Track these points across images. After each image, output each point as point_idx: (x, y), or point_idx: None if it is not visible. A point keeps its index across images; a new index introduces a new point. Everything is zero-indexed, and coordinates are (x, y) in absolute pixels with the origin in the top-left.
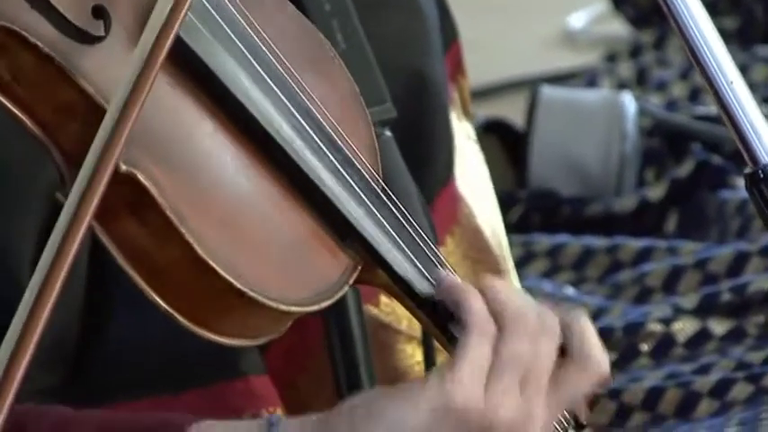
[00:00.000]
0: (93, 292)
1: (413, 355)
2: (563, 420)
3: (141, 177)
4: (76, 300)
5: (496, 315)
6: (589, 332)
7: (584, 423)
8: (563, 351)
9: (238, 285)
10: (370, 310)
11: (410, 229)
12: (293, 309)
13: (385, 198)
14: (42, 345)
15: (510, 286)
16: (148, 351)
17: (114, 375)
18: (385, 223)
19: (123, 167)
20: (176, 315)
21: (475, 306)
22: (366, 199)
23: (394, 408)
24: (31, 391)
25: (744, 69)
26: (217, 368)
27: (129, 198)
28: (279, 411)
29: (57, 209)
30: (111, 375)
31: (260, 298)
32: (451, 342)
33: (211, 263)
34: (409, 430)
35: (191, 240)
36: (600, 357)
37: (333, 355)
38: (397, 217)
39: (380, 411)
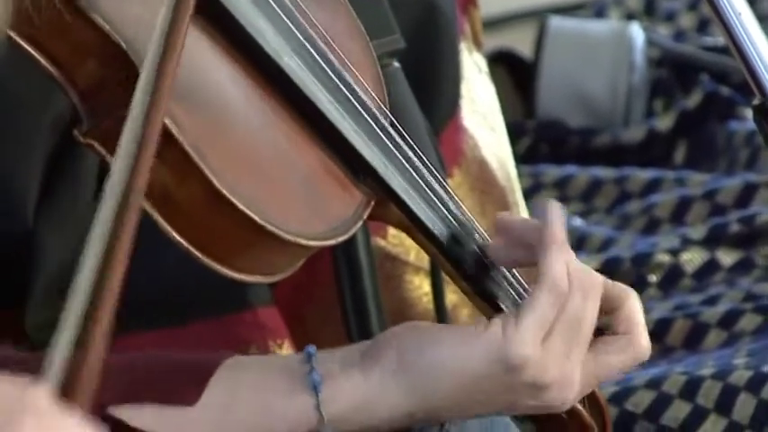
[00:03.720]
0: None
1: (420, 286)
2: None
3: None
4: (83, 235)
5: (568, 274)
6: (639, 315)
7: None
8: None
9: (258, 220)
10: (378, 241)
11: (419, 162)
12: (311, 243)
13: (393, 131)
14: (48, 280)
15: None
16: (156, 282)
17: (122, 306)
18: (396, 153)
19: None
20: (195, 252)
21: (559, 263)
22: (377, 130)
23: (450, 350)
24: (39, 326)
25: (752, 1)
26: (225, 300)
27: None
28: (286, 343)
29: (65, 146)
30: (118, 307)
31: (279, 232)
32: (459, 273)
33: (231, 198)
34: (460, 375)
35: (210, 176)
36: (644, 343)
37: (341, 286)
38: (407, 149)
39: (435, 351)
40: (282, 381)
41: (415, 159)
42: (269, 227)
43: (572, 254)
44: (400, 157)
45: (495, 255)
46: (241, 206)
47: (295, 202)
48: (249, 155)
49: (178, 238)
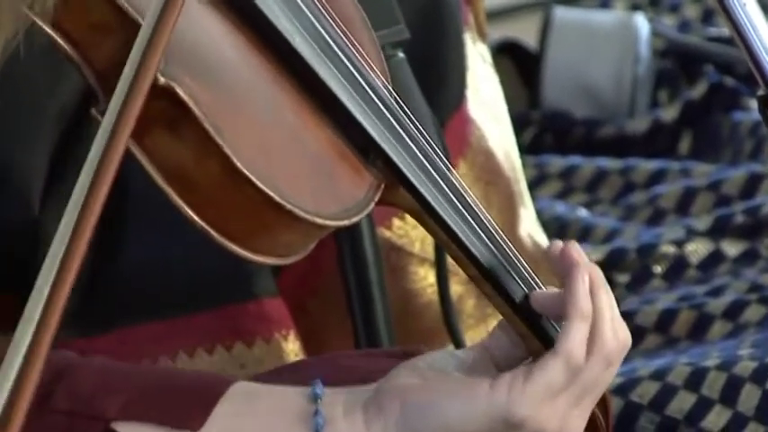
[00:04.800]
0: (105, 213)
1: (425, 277)
2: None
3: (179, 91)
4: None
5: (591, 342)
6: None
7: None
8: None
9: (276, 198)
10: (383, 232)
11: (427, 145)
12: (328, 222)
13: (401, 113)
14: None
15: (609, 296)
16: (161, 273)
17: (126, 298)
18: (404, 135)
19: (162, 80)
20: (211, 231)
21: (577, 337)
22: (384, 111)
23: (455, 408)
24: None
25: None
26: (230, 290)
27: (166, 113)
28: (291, 334)
29: (71, 133)
30: (123, 298)
31: (297, 211)
32: (468, 258)
33: (250, 175)
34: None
35: (229, 152)
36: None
37: (346, 277)
38: (414, 131)
39: (439, 411)
40: (286, 418)
41: (423, 142)
42: (287, 205)
43: (614, 307)
44: (407, 139)
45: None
46: (260, 184)
47: (309, 181)
48: (263, 134)
49: (195, 217)
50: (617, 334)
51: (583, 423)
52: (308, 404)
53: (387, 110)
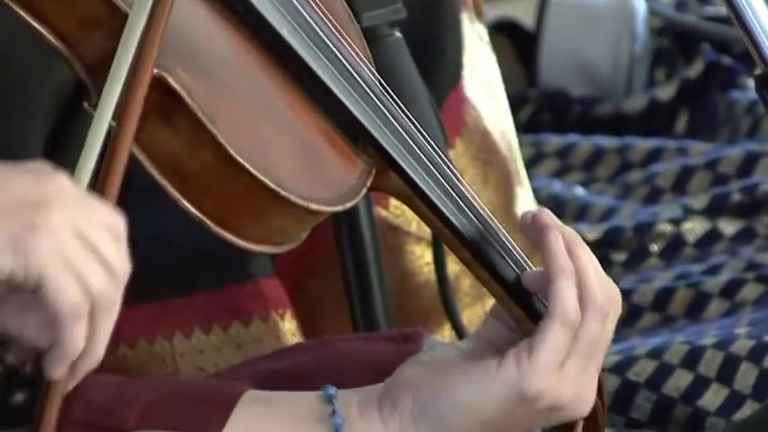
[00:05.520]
0: None
1: (422, 256)
2: None
3: (172, 81)
4: None
5: (582, 300)
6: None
7: None
8: None
9: (271, 185)
10: (380, 212)
11: (414, 129)
12: (322, 208)
13: (386, 97)
14: None
15: (588, 253)
16: (158, 255)
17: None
18: (391, 119)
19: (155, 71)
20: (207, 221)
21: (565, 294)
22: (372, 97)
23: (467, 395)
24: None
25: None
26: (227, 271)
27: (159, 104)
28: (288, 314)
29: (66, 116)
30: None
31: (291, 197)
32: (460, 242)
33: (244, 163)
34: (478, 413)
35: (223, 141)
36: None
37: (343, 257)
38: (401, 115)
39: (452, 394)
40: (306, 419)
41: (410, 125)
42: (282, 192)
43: (594, 261)
44: (396, 124)
45: None
46: (254, 171)
47: (301, 168)
48: (255, 122)
49: (191, 208)
50: (605, 286)
51: (593, 388)
52: (324, 405)
53: (374, 96)
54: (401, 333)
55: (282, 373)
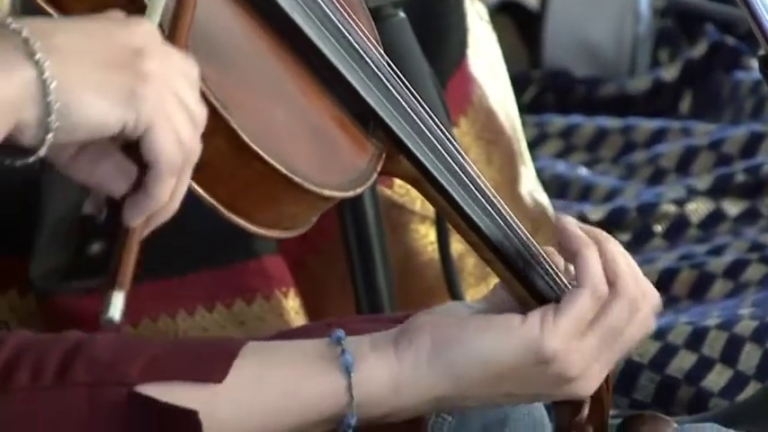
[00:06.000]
0: None
1: (426, 235)
2: None
3: None
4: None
5: (610, 277)
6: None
7: None
8: None
9: (285, 171)
10: (384, 191)
11: (424, 112)
12: (334, 194)
13: (401, 84)
14: (53, 228)
15: (620, 248)
16: (161, 233)
17: None
18: (401, 102)
19: None
20: (220, 207)
21: (594, 265)
22: (384, 81)
23: (488, 341)
24: (44, 274)
25: None
26: (231, 249)
27: None
28: (291, 291)
29: None
30: None
31: (305, 183)
32: (467, 224)
33: (258, 149)
34: (494, 364)
35: (236, 127)
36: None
37: (346, 235)
38: (411, 98)
39: (471, 341)
40: (312, 363)
41: (420, 108)
42: (296, 178)
43: (626, 255)
44: (407, 108)
45: None
46: (268, 157)
47: (313, 153)
48: (268, 108)
49: (202, 192)
50: (640, 281)
51: (602, 376)
52: (332, 348)
53: (385, 79)
54: (406, 316)
55: None
